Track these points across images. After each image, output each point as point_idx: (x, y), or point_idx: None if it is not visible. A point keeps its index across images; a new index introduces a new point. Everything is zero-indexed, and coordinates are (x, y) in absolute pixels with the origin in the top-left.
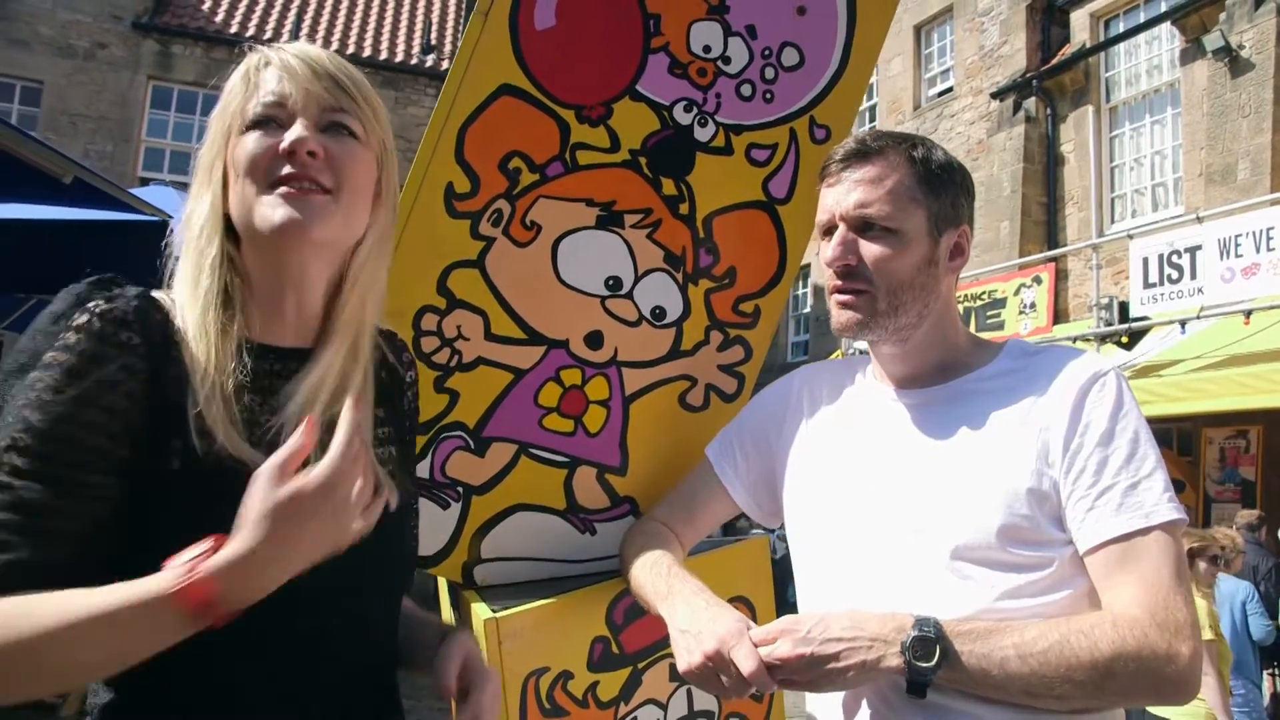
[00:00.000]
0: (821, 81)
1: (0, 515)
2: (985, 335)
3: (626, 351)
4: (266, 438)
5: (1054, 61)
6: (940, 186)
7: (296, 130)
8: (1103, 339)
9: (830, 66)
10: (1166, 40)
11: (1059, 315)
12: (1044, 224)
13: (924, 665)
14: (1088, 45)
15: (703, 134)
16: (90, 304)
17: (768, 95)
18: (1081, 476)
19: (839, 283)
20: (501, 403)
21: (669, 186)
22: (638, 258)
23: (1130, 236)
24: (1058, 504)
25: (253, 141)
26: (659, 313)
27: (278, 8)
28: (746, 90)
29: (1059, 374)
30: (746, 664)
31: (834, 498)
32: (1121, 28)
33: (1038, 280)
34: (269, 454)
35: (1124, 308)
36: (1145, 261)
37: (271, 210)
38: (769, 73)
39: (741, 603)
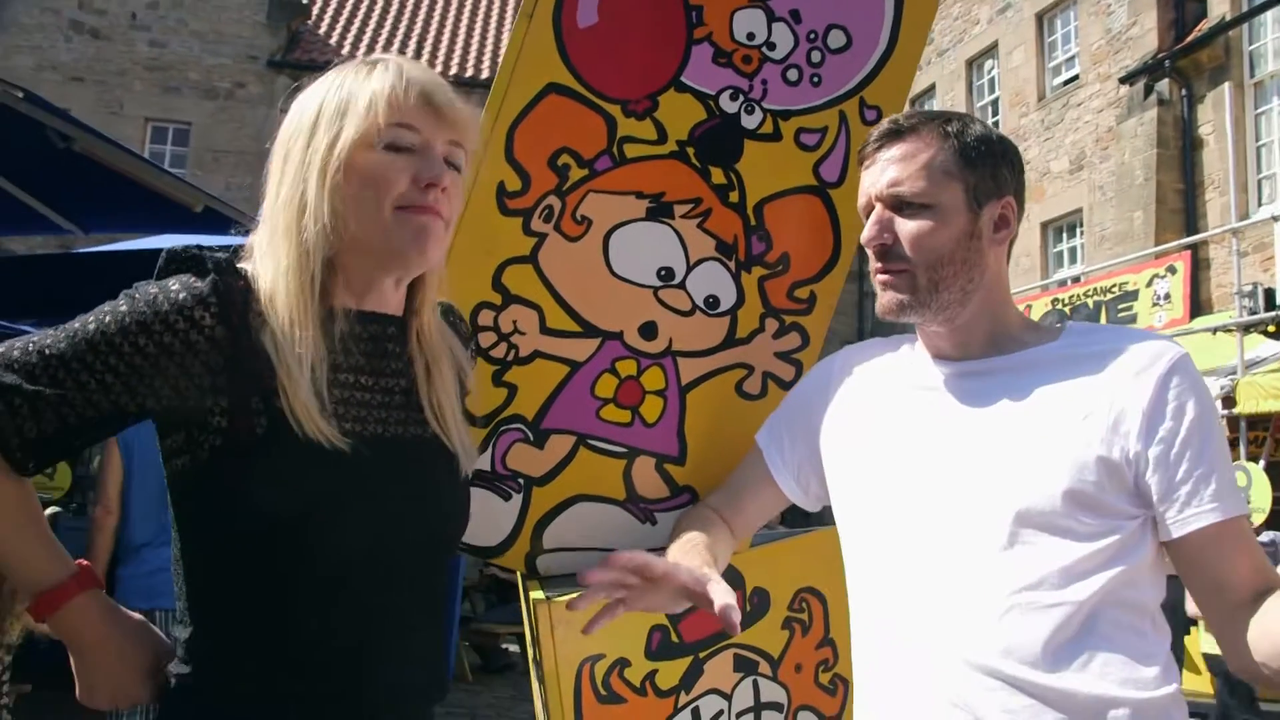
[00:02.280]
0: (870, 62)
1: (13, 381)
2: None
3: (681, 341)
4: (372, 399)
5: (1190, 39)
6: (978, 159)
7: (437, 167)
8: (1247, 329)
9: (879, 46)
10: None
11: (1200, 306)
12: (1181, 211)
13: None
14: (1228, 18)
15: (750, 121)
16: (171, 281)
17: (815, 79)
18: (1176, 459)
19: (879, 264)
20: (559, 395)
21: (718, 175)
22: (689, 247)
23: (1276, 219)
24: (1132, 477)
25: (390, 163)
26: (713, 301)
27: (400, 37)
28: (793, 75)
29: (1129, 350)
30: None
31: (883, 473)
32: None
33: (1172, 270)
34: (371, 415)
35: (1270, 295)
36: None
37: (402, 232)
38: (815, 56)
39: (812, 594)
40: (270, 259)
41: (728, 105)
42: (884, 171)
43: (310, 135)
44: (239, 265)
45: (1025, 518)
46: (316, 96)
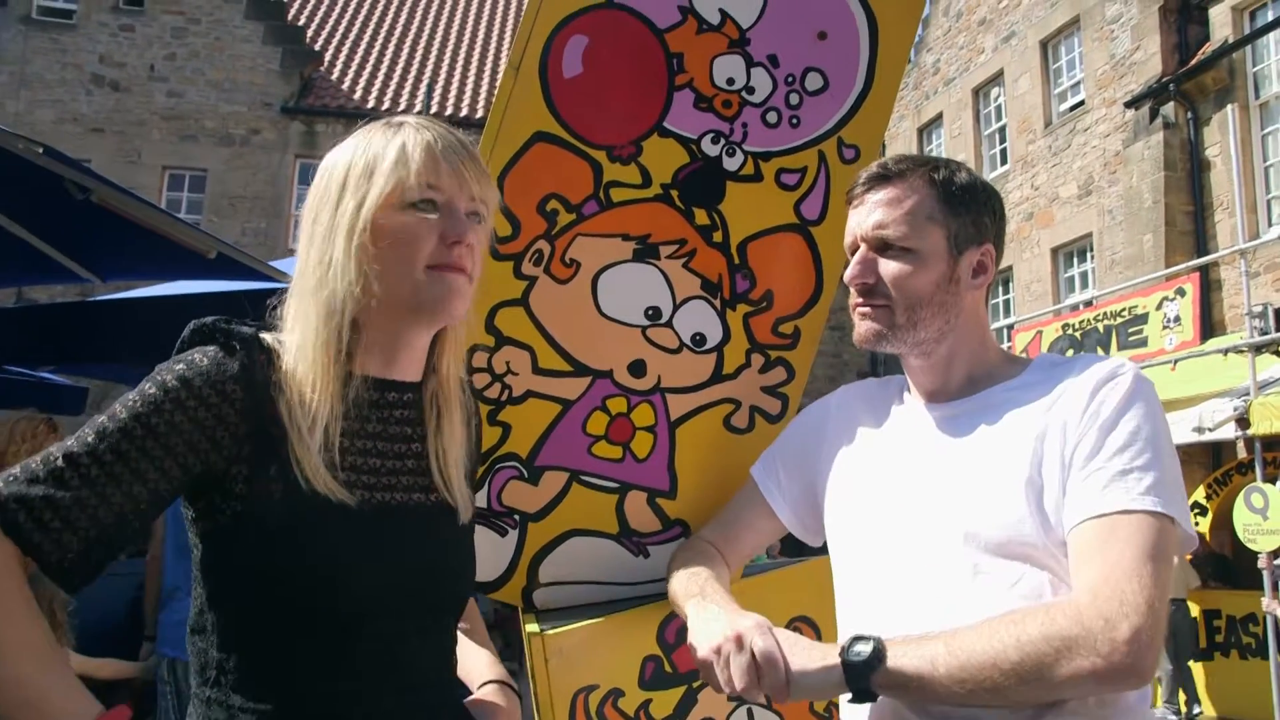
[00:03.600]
0: (847, 102)
1: (45, 492)
2: (1128, 353)
3: (670, 378)
4: (384, 466)
5: (1194, 62)
6: (961, 206)
7: (462, 225)
8: (1258, 349)
9: (855, 87)
10: None
11: (1212, 328)
12: (1191, 234)
13: (856, 661)
14: (1231, 40)
15: (731, 163)
16: (198, 354)
17: (794, 120)
18: (1075, 461)
19: (859, 299)
20: (551, 433)
21: (701, 216)
22: (675, 287)
23: None
24: (1055, 494)
25: (417, 222)
26: (699, 339)
27: (410, 81)
28: (772, 118)
29: (1079, 375)
30: (760, 644)
31: (865, 508)
32: (1270, 16)
33: (1181, 292)
34: (381, 481)
35: None
36: None
37: (434, 290)
38: (793, 99)
39: (804, 623)
40: (300, 321)
41: (709, 148)
42: (870, 213)
43: (339, 198)
44: (262, 335)
45: (986, 546)
46: (343, 159)
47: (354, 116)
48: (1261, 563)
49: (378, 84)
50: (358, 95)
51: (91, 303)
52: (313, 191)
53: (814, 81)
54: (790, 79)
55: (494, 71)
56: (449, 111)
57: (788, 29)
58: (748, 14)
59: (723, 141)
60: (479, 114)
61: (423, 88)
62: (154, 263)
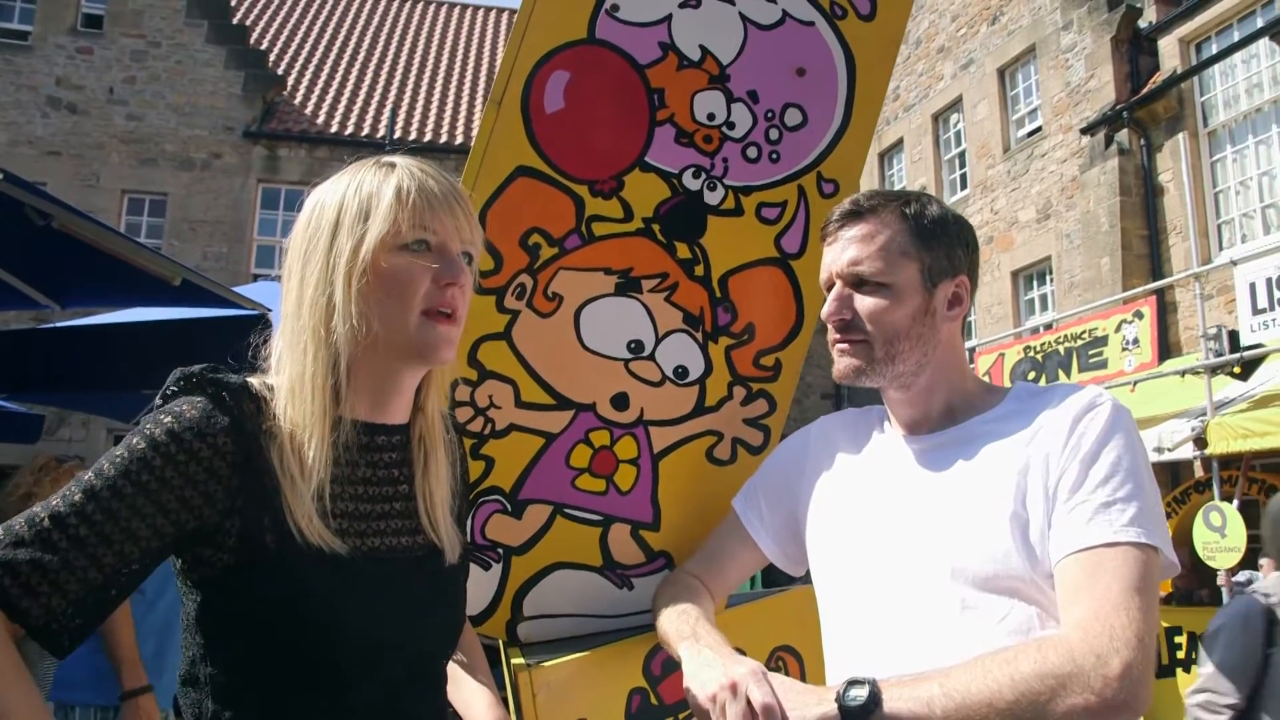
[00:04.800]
0: (826, 138)
1: (31, 556)
2: (1089, 375)
3: (652, 411)
4: (373, 510)
5: (1145, 91)
6: (933, 240)
7: (456, 268)
8: (1213, 370)
9: (834, 122)
10: (1266, 57)
11: (1169, 350)
12: (1147, 257)
13: (853, 706)
14: (1179, 71)
15: (712, 198)
16: (185, 406)
17: (773, 155)
18: (1059, 494)
19: (837, 335)
20: (535, 466)
21: (683, 250)
22: (657, 320)
23: (1234, 263)
24: (1040, 527)
25: (411, 264)
26: (681, 372)
27: (374, 106)
28: (752, 152)
29: (1057, 406)
30: (758, 694)
31: (849, 541)
32: (1215, 49)
33: (1139, 315)
34: (371, 526)
35: (1234, 336)
36: (1252, 287)
37: (426, 336)
38: (773, 134)
39: (788, 653)
40: (296, 362)
41: (690, 183)
42: (845, 250)
43: (332, 236)
44: (249, 382)
45: (973, 581)
46: (333, 198)
47: (317, 141)
48: (1220, 579)
49: (340, 109)
50: (320, 120)
51: (46, 329)
52: (301, 229)
53: (793, 117)
54: (770, 114)
55: (457, 98)
56: (412, 137)
57: (767, 65)
58: (728, 50)
59: (704, 176)
60: (442, 139)
61: (386, 113)
62: (116, 289)
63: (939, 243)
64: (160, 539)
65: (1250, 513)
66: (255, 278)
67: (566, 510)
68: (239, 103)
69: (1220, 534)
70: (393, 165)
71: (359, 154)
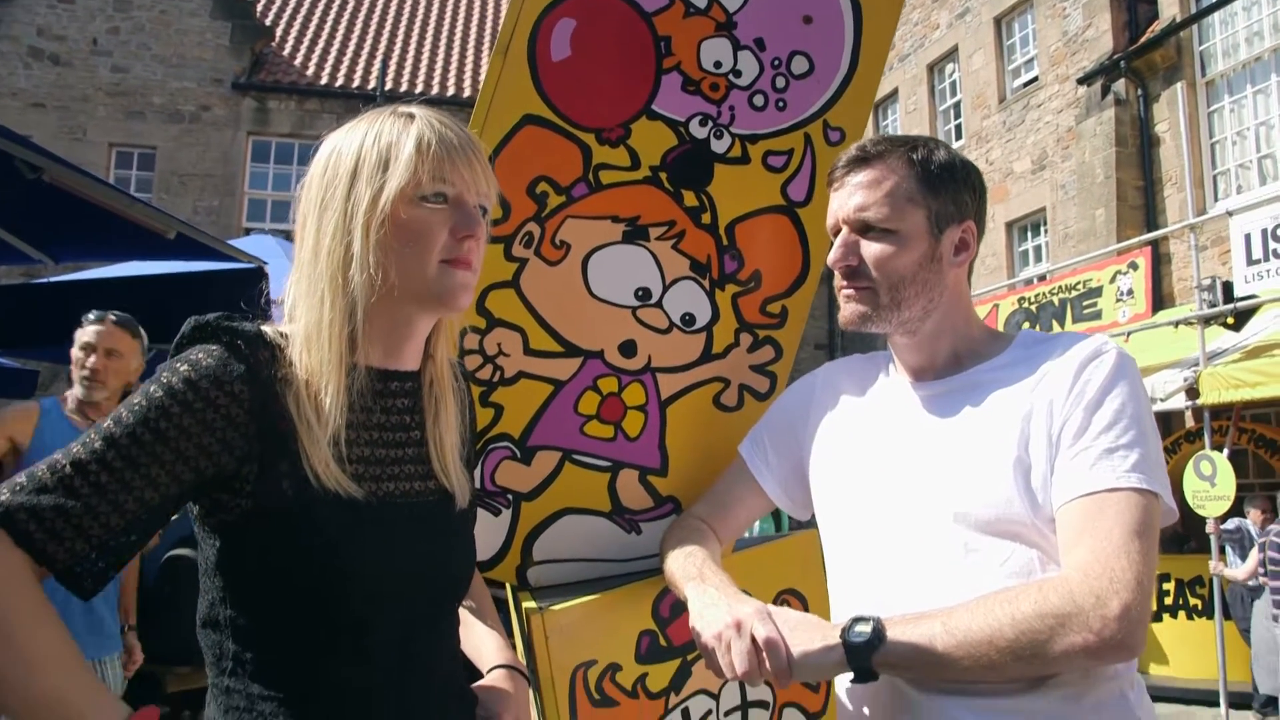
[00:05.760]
0: (833, 86)
1: (55, 501)
2: (1083, 326)
3: (660, 358)
4: (387, 456)
5: (1143, 40)
6: (940, 185)
7: (473, 221)
8: (1207, 321)
9: (840, 70)
10: (1267, 3)
11: (1162, 301)
12: (1141, 208)
13: (858, 642)
14: (1178, 19)
15: (719, 146)
16: (201, 354)
17: (780, 103)
18: (1062, 440)
19: (843, 281)
20: (544, 413)
21: (690, 198)
22: (665, 268)
23: (1229, 214)
24: (1042, 472)
25: (430, 216)
26: (689, 319)
27: (364, 57)
28: (759, 100)
29: (1063, 354)
30: (762, 631)
31: (855, 486)
32: None
33: (1133, 266)
34: (385, 471)
35: (1228, 288)
36: (1248, 238)
37: (445, 283)
38: (780, 82)
39: (793, 596)
40: (313, 309)
41: (697, 131)
42: (851, 196)
43: (350, 184)
44: (264, 330)
45: (976, 525)
46: (352, 144)
47: (307, 93)
48: (1209, 527)
49: (330, 60)
50: (310, 71)
51: (40, 284)
52: (317, 175)
53: (800, 65)
54: (777, 62)
55: (448, 49)
56: (404, 89)
57: (774, 13)
58: None
59: (710, 124)
60: (434, 91)
61: (376, 64)
62: (109, 243)
63: (946, 188)
64: (179, 485)
65: (1239, 462)
66: (247, 231)
67: (575, 456)
68: (227, 54)
69: (1210, 483)
70: (411, 115)
71: (350, 106)
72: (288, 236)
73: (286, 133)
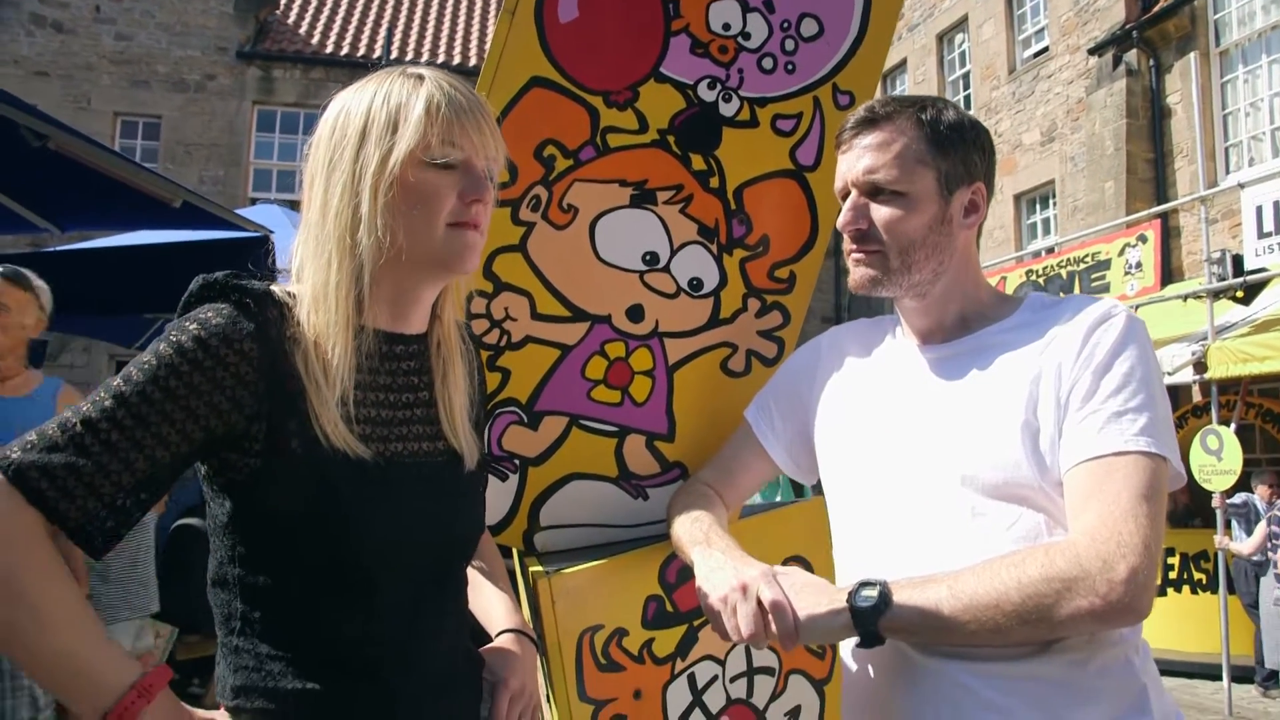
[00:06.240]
0: (842, 49)
1: (66, 460)
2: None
3: (667, 323)
4: (395, 417)
5: (1156, 9)
6: (949, 146)
7: (481, 184)
8: (1216, 295)
9: (850, 34)
10: None
11: (1171, 274)
12: (1152, 181)
13: (864, 606)
14: None
15: (728, 109)
16: (211, 313)
17: (789, 67)
18: (1071, 403)
19: (853, 245)
20: (551, 378)
21: (698, 162)
22: (672, 232)
23: (1241, 186)
24: (1050, 436)
25: (438, 179)
26: (696, 284)
27: (369, 25)
28: (768, 64)
29: (1072, 317)
30: (768, 593)
31: (861, 449)
32: None
33: (1143, 239)
34: (393, 432)
35: (1238, 261)
36: (1259, 210)
37: (453, 246)
38: (789, 45)
39: (798, 562)
40: (320, 270)
41: (706, 94)
42: (860, 159)
43: (359, 145)
44: (273, 289)
45: (983, 489)
46: (361, 104)
47: (312, 62)
48: (1215, 502)
49: (335, 28)
50: (315, 40)
51: (46, 254)
52: (325, 135)
53: (809, 27)
54: (786, 25)
55: (454, 17)
56: (409, 57)
57: None
58: None
59: (719, 87)
60: (439, 59)
61: (382, 32)
62: (115, 212)
63: (955, 149)
64: (189, 443)
65: (1246, 437)
66: (253, 201)
67: (582, 421)
68: (231, 22)
69: (1217, 457)
70: (421, 77)
71: (355, 75)
72: (294, 206)
73: (292, 102)
